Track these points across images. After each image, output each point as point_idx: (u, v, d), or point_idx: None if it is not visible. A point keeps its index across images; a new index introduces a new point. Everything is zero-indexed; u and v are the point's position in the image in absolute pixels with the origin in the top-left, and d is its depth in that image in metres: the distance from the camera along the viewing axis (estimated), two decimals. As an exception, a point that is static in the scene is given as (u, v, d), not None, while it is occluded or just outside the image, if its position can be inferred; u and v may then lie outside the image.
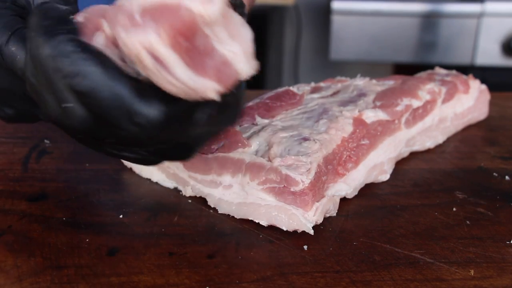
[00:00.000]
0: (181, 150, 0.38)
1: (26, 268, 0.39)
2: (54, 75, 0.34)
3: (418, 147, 0.60)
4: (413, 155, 0.60)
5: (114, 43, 0.33)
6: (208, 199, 0.48)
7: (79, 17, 0.35)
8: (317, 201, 0.45)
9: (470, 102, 0.67)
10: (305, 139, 0.48)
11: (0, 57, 0.39)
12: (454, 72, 0.70)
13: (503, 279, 0.40)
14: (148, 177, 0.53)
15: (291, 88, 0.59)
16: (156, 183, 0.52)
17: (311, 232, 0.43)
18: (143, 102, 0.33)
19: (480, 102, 0.68)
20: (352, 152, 0.51)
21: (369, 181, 0.53)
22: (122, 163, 0.54)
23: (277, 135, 0.49)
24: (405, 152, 0.59)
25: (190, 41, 0.32)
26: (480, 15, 1.49)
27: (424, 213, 0.49)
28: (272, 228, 0.45)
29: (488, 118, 0.70)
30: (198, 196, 0.49)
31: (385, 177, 0.54)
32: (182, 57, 0.32)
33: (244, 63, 0.33)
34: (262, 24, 2.01)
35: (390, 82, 0.64)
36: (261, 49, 2.04)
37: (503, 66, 1.54)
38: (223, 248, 0.43)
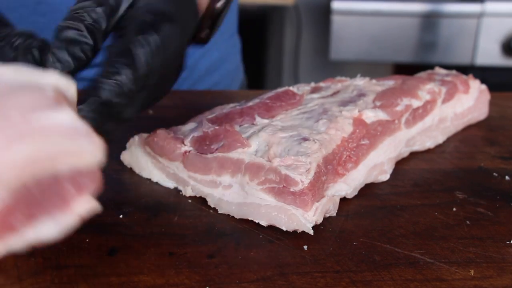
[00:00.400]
0: None
1: (26, 268, 0.39)
2: None
3: (418, 147, 0.60)
4: (413, 155, 0.60)
5: None
6: (208, 199, 0.48)
7: None
8: (317, 201, 0.45)
9: (470, 102, 0.67)
10: (305, 139, 0.48)
11: None
12: (454, 72, 0.70)
13: (503, 279, 0.40)
14: (148, 177, 0.53)
15: (291, 88, 0.59)
16: (156, 183, 0.52)
17: (311, 232, 0.43)
18: None
19: (480, 102, 0.68)
20: (352, 152, 0.51)
21: (369, 181, 0.53)
22: (122, 163, 0.54)
23: (277, 135, 0.49)
24: (405, 152, 0.59)
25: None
26: (480, 15, 1.49)
27: (424, 213, 0.49)
28: (272, 228, 0.45)
29: (488, 118, 0.70)
30: (198, 196, 0.49)
31: (385, 177, 0.54)
32: None
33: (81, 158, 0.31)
34: (262, 24, 2.01)
35: (390, 82, 0.64)
36: (261, 49, 2.04)
37: (503, 66, 1.55)
38: (223, 248, 0.43)
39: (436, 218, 0.48)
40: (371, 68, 1.92)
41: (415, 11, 1.53)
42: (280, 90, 0.58)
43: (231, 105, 0.57)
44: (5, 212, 0.28)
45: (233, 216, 0.47)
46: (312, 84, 0.64)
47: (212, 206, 0.48)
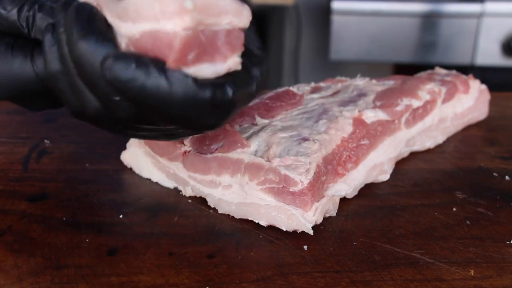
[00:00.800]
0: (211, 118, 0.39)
1: (26, 268, 0.39)
2: (101, 80, 0.35)
3: (418, 147, 0.60)
4: (413, 155, 0.60)
5: None
6: (208, 199, 0.48)
7: None
8: (317, 201, 0.45)
9: (470, 102, 0.67)
10: (305, 139, 0.48)
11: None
12: (454, 72, 0.70)
13: (503, 279, 0.40)
14: (148, 177, 0.53)
15: (291, 88, 0.59)
16: (156, 183, 0.52)
17: (311, 232, 0.43)
18: (196, 90, 0.35)
19: (480, 102, 0.68)
20: (352, 152, 0.51)
21: (369, 181, 0.53)
22: (122, 163, 0.54)
23: (277, 135, 0.49)
24: (405, 152, 0.59)
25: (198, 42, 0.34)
26: (480, 15, 1.49)
27: (424, 213, 0.49)
28: (272, 228, 0.45)
29: (488, 118, 0.70)
30: (198, 196, 0.49)
31: (385, 177, 0.54)
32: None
33: (240, 17, 0.36)
34: (262, 24, 2.01)
35: (390, 82, 0.64)
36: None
37: (503, 66, 1.54)
38: (223, 248, 0.43)
39: (436, 218, 0.48)
40: (371, 68, 1.92)
41: (415, 11, 1.53)
42: (280, 90, 0.58)
43: None
44: (184, 45, 0.34)
45: (233, 216, 0.47)
46: (312, 84, 0.64)
47: (212, 206, 0.48)
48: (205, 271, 0.40)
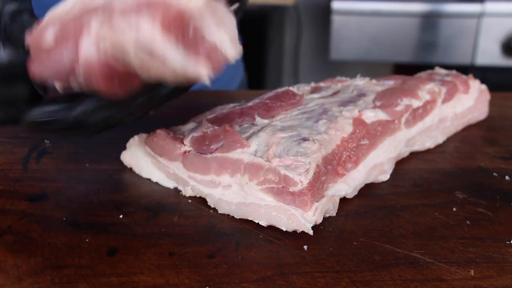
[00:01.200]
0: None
1: (26, 268, 0.39)
2: None
3: (418, 147, 0.60)
4: (413, 155, 0.60)
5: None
6: (208, 199, 0.48)
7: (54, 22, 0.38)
8: (317, 201, 0.45)
9: (470, 102, 0.67)
10: (304, 139, 0.48)
11: None
12: (454, 72, 0.70)
13: (503, 279, 0.40)
14: (148, 177, 0.53)
15: (291, 88, 0.59)
16: (156, 183, 0.52)
17: (311, 232, 0.43)
18: None
19: (480, 102, 0.68)
20: (352, 152, 0.51)
21: (369, 181, 0.53)
22: (122, 163, 0.54)
23: (276, 135, 0.49)
24: (405, 152, 0.59)
25: (181, 32, 0.35)
26: (480, 15, 1.49)
27: (424, 213, 0.49)
28: (272, 228, 0.45)
29: (488, 118, 0.70)
30: (198, 196, 0.49)
31: (385, 177, 0.54)
32: (174, 43, 0.35)
33: (231, 48, 0.37)
34: (262, 24, 2.01)
35: (390, 82, 0.64)
36: (261, 49, 2.04)
37: (503, 66, 1.55)
38: (223, 248, 0.43)
39: (436, 218, 0.48)
40: (371, 68, 1.92)
41: (415, 11, 1.53)
42: (280, 90, 0.59)
43: (231, 105, 0.57)
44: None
45: (233, 216, 0.47)
46: (312, 84, 0.64)
47: (212, 206, 0.48)
48: (205, 271, 0.40)
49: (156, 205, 0.48)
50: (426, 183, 0.54)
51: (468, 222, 0.48)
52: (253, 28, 1.95)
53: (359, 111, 0.54)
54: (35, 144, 0.58)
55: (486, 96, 0.69)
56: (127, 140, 0.54)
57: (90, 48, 0.35)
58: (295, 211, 0.44)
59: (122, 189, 0.51)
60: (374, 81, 0.65)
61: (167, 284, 0.38)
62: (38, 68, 0.38)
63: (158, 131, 0.51)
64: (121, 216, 0.46)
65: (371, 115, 0.54)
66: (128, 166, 0.54)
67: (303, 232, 0.44)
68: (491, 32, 1.51)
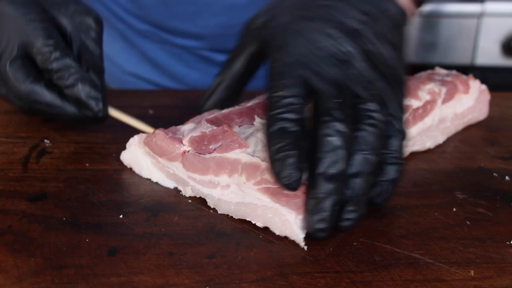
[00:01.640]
0: None
1: (26, 268, 0.39)
2: None
3: (418, 147, 0.60)
4: (413, 155, 0.60)
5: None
6: (207, 200, 0.48)
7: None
8: None
9: (470, 102, 0.67)
10: (304, 139, 0.48)
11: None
12: (454, 72, 0.70)
13: (503, 279, 0.40)
14: (148, 177, 0.53)
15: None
16: (156, 183, 0.52)
17: (302, 244, 0.43)
18: None
19: (480, 102, 0.68)
20: (352, 152, 0.51)
21: (369, 181, 0.53)
22: (122, 163, 0.54)
23: (276, 135, 0.49)
24: (405, 152, 0.59)
25: None
26: (480, 15, 1.49)
27: (424, 213, 0.49)
28: (272, 228, 0.45)
29: (488, 118, 0.70)
30: (198, 196, 0.49)
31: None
32: None
33: None
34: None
35: (390, 82, 0.64)
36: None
37: (503, 66, 1.54)
38: (223, 248, 0.43)
39: (436, 219, 0.48)
40: (371, 68, 1.92)
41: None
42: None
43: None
44: None
45: (233, 216, 0.47)
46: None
47: (212, 206, 0.48)
48: (205, 271, 0.40)
49: (156, 205, 0.48)
50: (426, 183, 0.54)
51: (468, 222, 0.48)
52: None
53: (359, 111, 0.54)
54: (35, 144, 0.58)
55: (486, 96, 0.69)
56: (127, 140, 0.54)
57: None
58: (289, 216, 0.43)
59: (122, 189, 0.51)
60: (374, 81, 0.65)
61: (167, 284, 0.38)
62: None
63: (157, 131, 0.51)
64: (121, 216, 0.46)
65: (371, 115, 0.54)
66: (128, 166, 0.54)
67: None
68: (491, 32, 1.50)
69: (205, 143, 0.49)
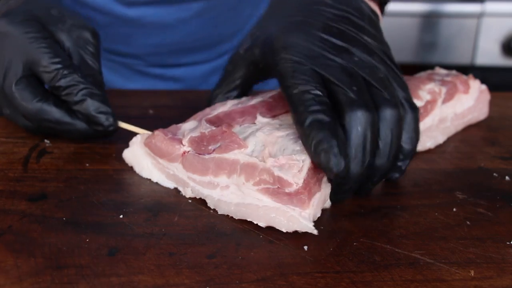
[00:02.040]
0: None
1: (26, 268, 0.39)
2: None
3: (418, 147, 0.60)
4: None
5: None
6: (207, 201, 0.48)
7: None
8: (314, 196, 0.45)
9: (470, 102, 0.67)
10: (301, 138, 0.48)
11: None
12: (454, 72, 0.69)
13: (503, 279, 0.40)
14: (148, 177, 0.52)
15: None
16: (156, 183, 0.52)
17: (315, 232, 0.43)
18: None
19: (480, 102, 0.68)
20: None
21: (369, 181, 0.53)
22: (122, 163, 0.54)
23: (273, 134, 0.49)
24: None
25: None
26: (480, 15, 1.49)
27: (424, 213, 0.49)
28: (272, 228, 0.45)
29: (488, 118, 0.70)
30: (198, 197, 0.49)
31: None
32: None
33: None
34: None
35: (390, 82, 0.64)
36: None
37: (503, 66, 1.54)
38: (223, 248, 0.43)
39: (436, 219, 0.48)
40: (371, 68, 1.92)
41: (415, 11, 1.53)
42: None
43: (233, 101, 0.56)
44: None
45: (233, 217, 0.47)
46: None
47: (212, 207, 0.48)
48: (205, 271, 0.40)
49: (156, 205, 0.48)
50: (426, 183, 0.54)
51: (468, 222, 0.48)
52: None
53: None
54: (35, 144, 0.58)
55: (486, 96, 0.69)
56: (127, 140, 0.54)
57: None
58: (294, 212, 0.44)
59: (122, 189, 0.51)
60: (374, 81, 0.64)
61: (167, 284, 0.38)
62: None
63: (156, 133, 0.51)
64: (121, 216, 0.46)
65: (371, 115, 0.54)
66: (129, 165, 0.54)
67: (303, 232, 0.44)
68: (491, 32, 1.51)
69: (204, 143, 0.49)
